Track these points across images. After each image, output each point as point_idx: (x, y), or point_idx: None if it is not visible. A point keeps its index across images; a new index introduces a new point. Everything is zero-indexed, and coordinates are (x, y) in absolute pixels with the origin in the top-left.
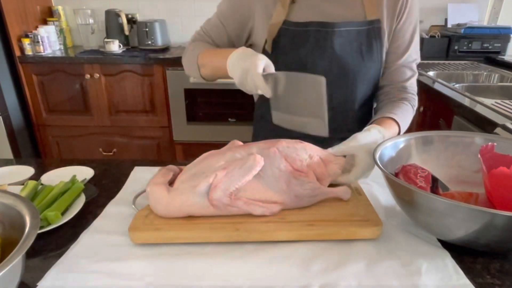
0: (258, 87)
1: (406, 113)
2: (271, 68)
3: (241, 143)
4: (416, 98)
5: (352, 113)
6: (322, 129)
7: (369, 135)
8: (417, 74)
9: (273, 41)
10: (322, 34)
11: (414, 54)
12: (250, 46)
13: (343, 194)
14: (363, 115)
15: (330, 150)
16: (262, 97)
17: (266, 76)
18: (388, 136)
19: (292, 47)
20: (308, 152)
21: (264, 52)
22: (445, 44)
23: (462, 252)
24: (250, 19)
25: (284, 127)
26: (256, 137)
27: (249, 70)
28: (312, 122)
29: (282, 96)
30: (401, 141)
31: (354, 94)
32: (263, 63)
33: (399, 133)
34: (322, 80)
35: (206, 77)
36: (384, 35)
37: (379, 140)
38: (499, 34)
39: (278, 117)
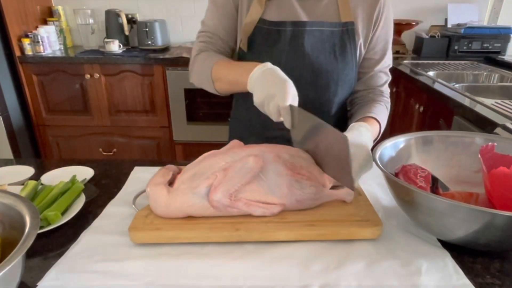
0: (280, 118)
1: (383, 113)
2: (295, 100)
3: (241, 143)
4: (389, 101)
5: (327, 114)
6: (348, 182)
7: (358, 133)
8: (390, 78)
9: (248, 39)
10: (293, 33)
11: (388, 60)
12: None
13: (346, 196)
14: (338, 117)
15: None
16: (238, 99)
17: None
18: (373, 133)
19: (266, 46)
20: (308, 161)
21: (240, 50)
22: (445, 44)
23: (462, 252)
24: (238, 8)
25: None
26: (232, 137)
27: (275, 97)
28: (337, 172)
29: (304, 133)
30: (401, 141)
31: (328, 95)
32: (292, 94)
33: (379, 132)
34: (346, 138)
35: (221, 91)
36: (358, 39)
37: (367, 135)
38: (499, 34)
39: (299, 147)
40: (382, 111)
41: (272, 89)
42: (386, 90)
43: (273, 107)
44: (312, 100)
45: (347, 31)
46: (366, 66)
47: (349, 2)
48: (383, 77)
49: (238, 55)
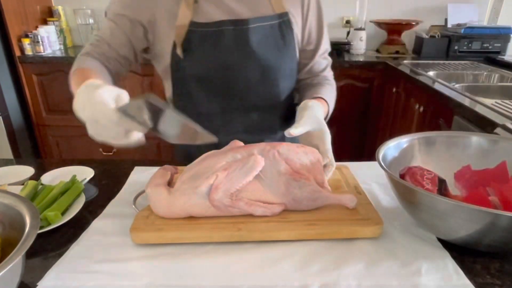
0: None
1: (330, 93)
2: (125, 97)
3: (241, 143)
4: (334, 83)
5: (278, 110)
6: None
7: (311, 109)
8: (331, 61)
9: (183, 45)
10: (237, 33)
11: (325, 44)
12: (154, 54)
13: (348, 201)
14: (286, 111)
15: (291, 132)
16: (175, 92)
17: (125, 109)
18: (323, 110)
19: (206, 49)
20: (309, 157)
21: (175, 58)
22: (445, 44)
23: (462, 252)
24: (147, 21)
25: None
26: (177, 150)
27: (96, 112)
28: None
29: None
30: (404, 142)
31: (277, 89)
32: (111, 94)
33: (328, 112)
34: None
35: None
36: (294, 27)
37: (319, 109)
38: (499, 34)
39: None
40: (328, 91)
41: (88, 112)
42: (329, 74)
43: (106, 123)
44: (262, 96)
45: (283, 23)
46: (306, 57)
47: None
48: (323, 62)
49: (174, 62)
